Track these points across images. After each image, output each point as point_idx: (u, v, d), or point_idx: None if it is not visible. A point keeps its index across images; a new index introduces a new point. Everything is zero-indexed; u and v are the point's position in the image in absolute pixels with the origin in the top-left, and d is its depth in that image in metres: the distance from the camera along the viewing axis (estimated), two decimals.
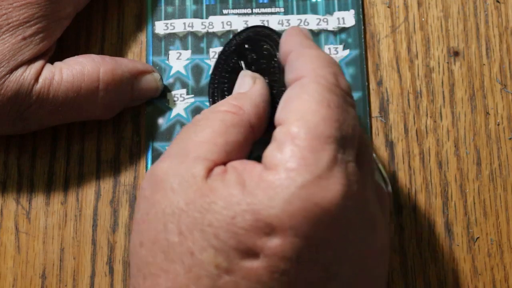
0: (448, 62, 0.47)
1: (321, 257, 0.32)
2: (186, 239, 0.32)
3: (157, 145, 0.46)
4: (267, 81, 0.39)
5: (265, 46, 0.40)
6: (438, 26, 0.48)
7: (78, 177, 0.45)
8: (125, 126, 0.46)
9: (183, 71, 0.47)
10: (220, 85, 0.42)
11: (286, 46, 0.38)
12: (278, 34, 0.39)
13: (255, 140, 0.37)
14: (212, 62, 0.47)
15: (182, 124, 0.46)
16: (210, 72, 0.43)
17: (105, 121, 0.46)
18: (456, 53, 0.47)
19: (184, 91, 0.47)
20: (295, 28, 0.39)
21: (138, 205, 0.35)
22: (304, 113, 0.33)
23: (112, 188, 0.45)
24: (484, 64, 0.47)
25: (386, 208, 0.37)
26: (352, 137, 0.34)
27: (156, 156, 0.45)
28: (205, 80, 0.47)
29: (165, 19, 0.48)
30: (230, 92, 0.41)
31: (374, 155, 0.41)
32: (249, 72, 0.40)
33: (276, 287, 0.31)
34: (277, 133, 0.34)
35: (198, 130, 0.36)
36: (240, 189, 0.32)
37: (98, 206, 0.45)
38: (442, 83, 0.47)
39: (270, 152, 0.33)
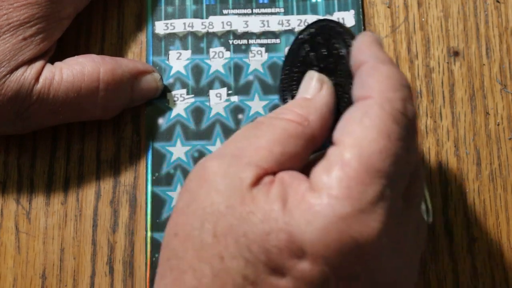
0: (448, 62, 0.47)
1: (347, 287, 0.32)
2: (219, 243, 0.32)
3: (157, 145, 0.46)
4: (333, 82, 0.38)
5: (336, 45, 0.38)
6: (438, 26, 0.48)
7: (78, 177, 0.45)
8: (125, 126, 0.46)
9: (183, 71, 0.47)
10: (291, 73, 0.41)
11: (360, 55, 0.36)
12: (351, 35, 0.38)
13: (314, 150, 0.36)
14: (212, 62, 0.47)
15: (182, 124, 0.46)
16: (283, 58, 0.42)
17: (105, 121, 0.46)
18: (456, 53, 0.47)
19: (184, 91, 0.47)
20: (370, 35, 0.37)
21: (181, 195, 0.35)
22: (361, 140, 0.32)
23: (112, 188, 0.45)
24: (484, 64, 0.47)
25: (421, 240, 0.36)
26: (405, 173, 0.33)
27: (156, 156, 0.45)
28: (205, 80, 0.47)
29: (165, 19, 0.48)
30: (299, 83, 0.39)
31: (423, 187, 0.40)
32: (316, 74, 0.38)
33: None
34: (330, 153, 0.33)
35: (258, 134, 0.35)
36: (281, 205, 0.32)
37: (98, 206, 0.45)
38: (442, 83, 0.47)
39: (318, 172, 0.32)
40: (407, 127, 0.33)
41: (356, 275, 0.32)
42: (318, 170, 0.33)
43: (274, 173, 0.34)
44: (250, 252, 0.31)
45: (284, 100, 0.41)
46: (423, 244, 0.36)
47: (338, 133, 0.33)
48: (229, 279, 0.32)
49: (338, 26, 0.39)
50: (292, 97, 0.40)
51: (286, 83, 0.41)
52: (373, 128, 0.32)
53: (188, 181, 0.35)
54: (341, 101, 0.37)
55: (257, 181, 0.33)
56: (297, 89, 0.40)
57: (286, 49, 0.47)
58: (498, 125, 0.46)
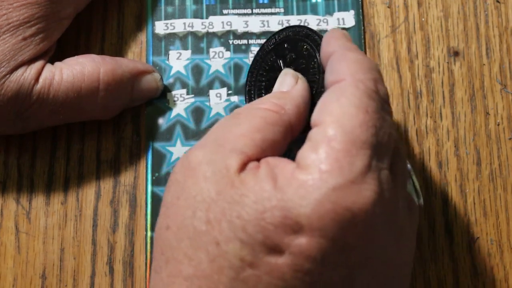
0: (448, 62, 0.47)
1: (345, 260, 0.32)
2: (213, 228, 0.32)
3: (157, 145, 0.46)
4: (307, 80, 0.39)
5: (305, 47, 0.40)
6: (438, 26, 0.48)
7: (78, 177, 0.45)
8: (125, 126, 0.46)
9: (183, 71, 0.47)
10: (257, 83, 0.42)
11: (328, 47, 0.38)
12: (319, 35, 0.39)
13: (292, 139, 0.37)
14: (212, 62, 0.47)
15: (182, 124, 0.46)
16: (248, 69, 0.43)
17: (105, 121, 0.46)
18: (456, 53, 0.47)
19: (184, 91, 0.47)
20: (337, 30, 0.39)
21: (168, 188, 0.35)
22: (341, 116, 0.33)
23: (112, 188, 0.45)
24: (484, 64, 0.47)
25: (415, 221, 0.37)
26: (388, 144, 0.34)
27: (156, 156, 0.45)
28: (205, 80, 0.47)
29: (165, 19, 0.48)
30: (267, 90, 0.41)
31: (409, 165, 0.41)
32: (291, 71, 0.40)
33: (297, 286, 0.32)
34: (313, 134, 0.34)
35: (238, 123, 0.36)
36: (272, 184, 0.32)
37: (98, 206, 0.45)
38: (442, 83, 0.47)
39: (304, 152, 0.33)
40: (381, 103, 0.35)
41: (352, 246, 0.32)
42: (304, 151, 0.33)
43: (257, 159, 0.35)
44: (245, 233, 0.32)
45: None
46: (415, 227, 0.37)
47: (317, 115, 0.35)
48: (226, 263, 0.32)
49: (304, 28, 0.40)
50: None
51: (253, 94, 0.42)
52: (351, 105, 0.34)
53: (174, 174, 0.35)
54: (317, 96, 0.38)
55: (243, 167, 0.34)
56: (266, 94, 0.41)
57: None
58: (498, 125, 0.46)
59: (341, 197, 0.31)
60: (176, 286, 0.33)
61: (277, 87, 0.40)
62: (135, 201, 0.45)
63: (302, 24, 0.47)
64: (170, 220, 0.34)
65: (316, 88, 0.39)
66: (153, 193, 0.45)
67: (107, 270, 0.44)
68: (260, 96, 0.41)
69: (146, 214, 0.44)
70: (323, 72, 0.38)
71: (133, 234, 0.44)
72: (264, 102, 0.37)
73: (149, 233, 0.44)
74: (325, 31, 0.47)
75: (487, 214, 0.45)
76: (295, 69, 0.40)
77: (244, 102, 0.43)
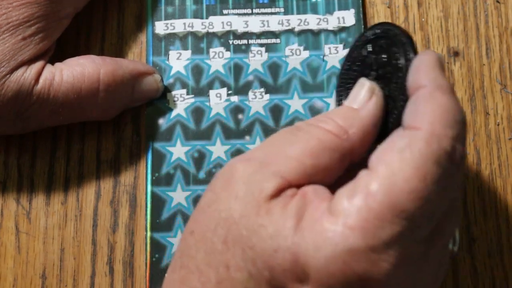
0: (448, 62, 0.47)
1: None
2: (228, 251, 0.32)
3: (157, 145, 0.46)
4: (386, 93, 0.37)
5: (397, 55, 0.37)
6: (438, 26, 0.48)
7: (78, 177, 0.45)
8: (125, 126, 0.46)
9: (183, 71, 0.47)
10: (349, 71, 0.39)
11: (420, 77, 0.34)
12: (412, 48, 0.36)
13: (352, 163, 0.35)
14: (212, 62, 0.47)
15: (182, 124, 0.46)
16: (346, 53, 0.40)
17: (105, 121, 0.46)
18: (456, 53, 0.47)
19: (184, 91, 0.47)
20: (433, 56, 0.35)
21: (206, 193, 0.34)
22: (394, 174, 0.30)
23: (112, 188, 0.45)
24: (484, 64, 0.47)
25: (442, 275, 0.34)
26: (434, 216, 0.31)
27: (156, 156, 0.45)
28: (205, 80, 0.47)
29: (165, 19, 0.48)
30: (355, 82, 0.38)
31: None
32: (367, 83, 0.37)
33: None
34: (360, 176, 0.31)
35: (293, 141, 0.34)
36: (294, 223, 0.31)
37: (98, 206, 0.45)
38: None
39: (341, 194, 0.31)
40: (448, 171, 0.31)
41: None
42: (342, 192, 0.31)
43: (299, 185, 0.33)
44: (254, 266, 0.31)
45: (338, 96, 0.40)
46: (443, 276, 0.34)
47: (375, 158, 0.32)
48: None
49: (402, 34, 0.37)
50: (347, 95, 0.38)
51: (344, 80, 0.40)
52: (411, 165, 0.30)
53: (215, 180, 0.34)
54: (390, 115, 0.36)
55: (278, 193, 0.32)
56: (352, 88, 0.38)
57: (287, 49, 0.47)
58: (498, 125, 0.46)
59: (354, 261, 0.30)
60: None
61: (349, 99, 0.36)
62: (135, 201, 0.45)
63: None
64: (196, 226, 0.34)
65: (391, 106, 0.36)
66: (153, 193, 0.45)
67: (107, 270, 0.44)
68: (348, 85, 0.39)
69: (146, 214, 0.44)
70: (405, 93, 0.35)
71: (133, 234, 0.44)
72: (328, 122, 0.34)
73: (149, 233, 0.44)
74: (326, 30, 0.47)
75: (487, 214, 0.45)
76: (382, 75, 0.37)
77: (335, 90, 0.40)
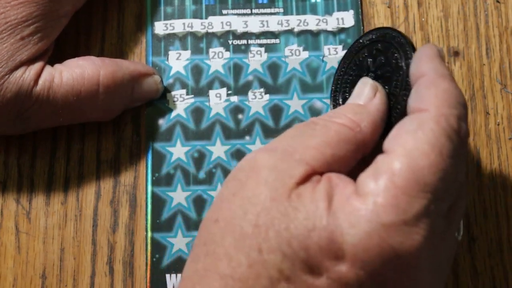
0: (448, 62, 0.47)
1: None
2: (260, 234, 0.32)
3: (157, 145, 0.46)
4: (386, 91, 0.38)
5: (395, 55, 0.39)
6: (438, 26, 0.48)
7: (78, 177, 0.46)
8: (125, 126, 0.46)
9: (182, 72, 0.47)
10: (345, 75, 0.42)
11: (420, 67, 0.36)
12: (411, 47, 0.38)
13: (363, 156, 0.37)
14: (211, 62, 0.47)
15: (182, 124, 0.46)
16: (341, 57, 0.43)
17: (105, 121, 0.46)
18: (456, 53, 0.47)
19: (184, 91, 0.47)
20: (431, 47, 0.37)
21: (227, 183, 0.35)
22: (412, 152, 0.32)
23: (112, 188, 0.45)
24: (484, 64, 0.47)
25: (451, 257, 0.36)
26: (452, 191, 0.33)
27: (156, 156, 0.45)
28: (204, 81, 0.47)
29: (164, 20, 0.48)
30: (351, 86, 0.40)
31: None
32: (370, 81, 0.39)
33: None
34: (380, 160, 0.33)
35: (312, 134, 0.35)
36: (326, 205, 0.32)
37: (98, 206, 0.45)
38: None
39: (365, 178, 0.33)
40: (459, 146, 0.33)
41: (390, 282, 0.32)
42: (366, 176, 0.33)
43: (321, 173, 0.34)
44: (289, 247, 0.32)
45: (334, 100, 0.42)
46: (450, 263, 0.36)
47: (390, 142, 0.34)
48: (264, 271, 0.32)
49: (400, 36, 0.39)
50: (343, 99, 0.41)
51: (339, 84, 0.42)
52: (426, 142, 0.32)
53: (237, 170, 0.35)
54: (393, 111, 0.37)
55: (305, 179, 0.34)
56: (349, 91, 0.40)
57: (286, 50, 0.47)
58: (498, 125, 0.46)
59: (390, 235, 0.31)
60: (210, 280, 0.33)
61: (354, 96, 0.39)
62: (135, 201, 0.45)
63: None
64: (220, 214, 0.34)
65: (394, 101, 0.38)
66: (153, 193, 0.45)
67: (107, 270, 0.44)
68: (344, 90, 0.41)
69: (146, 214, 0.45)
70: (405, 89, 0.37)
71: (133, 234, 0.45)
72: (341, 116, 0.36)
73: (149, 233, 0.44)
74: (325, 31, 0.47)
75: (487, 214, 0.45)
76: (381, 75, 0.39)
77: (330, 94, 0.42)
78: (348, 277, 0.31)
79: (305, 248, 0.31)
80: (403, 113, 0.36)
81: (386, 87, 0.39)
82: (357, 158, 0.36)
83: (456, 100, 0.34)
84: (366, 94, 0.38)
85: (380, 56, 0.40)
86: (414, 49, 0.38)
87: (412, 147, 0.32)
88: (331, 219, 0.32)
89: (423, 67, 0.36)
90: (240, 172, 0.35)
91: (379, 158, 0.33)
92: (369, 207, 0.31)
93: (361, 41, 0.41)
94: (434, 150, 0.32)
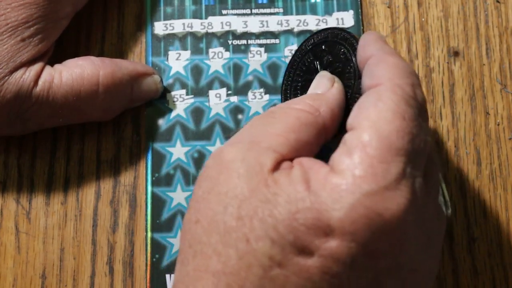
0: (448, 62, 0.47)
1: (373, 265, 0.32)
2: (244, 225, 0.32)
3: (157, 145, 0.46)
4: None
5: (342, 50, 0.40)
6: (438, 26, 0.48)
7: (78, 177, 0.46)
8: (125, 126, 0.46)
9: (182, 72, 0.47)
10: (293, 83, 0.42)
11: (366, 50, 0.38)
12: (356, 39, 0.39)
13: (325, 142, 0.37)
14: (211, 63, 0.47)
15: (182, 125, 0.46)
16: (285, 68, 0.43)
17: (105, 121, 0.46)
18: (456, 53, 0.47)
19: (183, 91, 0.47)
20: (373, 33, 0.39)
21: (199, 183, 0.35)
22: (377, 122, 0.33)
23: (112, 188, 0.45)
24: (484, 64, 0.47)
25: (442, 231, 0.37)
26: (423, 152, 0.34)
27: (156, 156, 0.45)
28: (204, 81, 0.47)
29: (164, 20, 0.48)
30: (302, 91, 0.41)
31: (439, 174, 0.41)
32: (327, 74, 0.40)
33: None
34: (348, 138, 0.34)
35: (272, 122, 0.36)
36: (305, 186, 0.32)
37: (98, 206, 0.45)
38: (442, 83, 0.47)
39: (338, 156, 0.33)
40: (419, 110, 0.34)
41: (382, 252, 0.32)
42: (338, 155, 0.33)
43: (291, 159, 0.35)
44: (276, 232, 0.32)
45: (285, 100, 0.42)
46: (442, 237, 0.37)
47: (353, 119, 0.34)
48: (255, 260, 0.32)
49: (343, 32, 0.40)
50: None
51: (288, 93, 0.42)
52: (388, 110, 0.33)
53: (206, 169, 0.35)
54: (351, 101, 0.38)
55: (276, 166, 0.34)
56: (301, 95, 0.40)
57: (286, 50, 0.47)
58: (498, 125, 0.46)
59: (374, 203, 0.32)
60: (203, 281, 0.33)
61: (312, 88, 0.39)
62: (135, 201, 0.45)
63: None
64: (200, 214, 0.34)
65: (350, 93, 0.38)
66: (153, 193, 0.45)
67: (107, 270, 0.44)
68: (295, 96, 0.41)
69: (146, 214, 0.45)
70: (359, 77, 0.38)
71: (133, 234, 0.45)
72: (299, 103, 0.37)
73: (149, 234, 0.44)
74: None
75: (487, 214, 0.45)
76: (331, 72, 0.40)
77: (281, 100, 0.43)
78: (340, 251, 0.31)
79: (292, 230, 0.32)
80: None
81: (341, 81, 0.39)
82: (320, 143, 0.37)
83: (406, 70, 0.36)
84: (324, 84, 0.39)
85: (327, 56, 0.40)
86: (358, 40, 0.39)
87: (375, 117, 0.33)
88: (313, 198, 0.32)
89: (368, 50, 0.37)
90: (209, 169, 0.35)
91: (347, 136, 0.34)
92: (349, 180, 0.32)
93: (303, 47, 0.42)
94: (397, 115, 0.33)
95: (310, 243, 0.32)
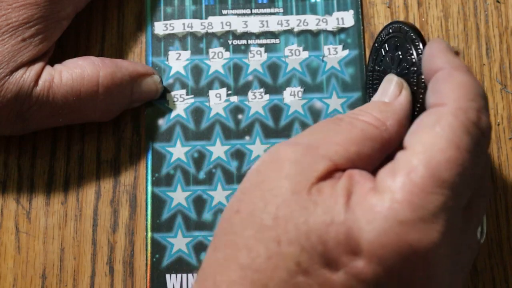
0: None
1: None
2: (279, 226, 0.32)
3: (157, 145, 0.46)
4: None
5: (409, 51, 0.39)
6: (438, 26, 0.48)
7: (78, 177, 0.46)
8: (125, 126, 0.46)
9: (182, 72, 0.47)
10: (374, 72, 0.42)
11: (434, 62, 0.36)
12: (423, 42, 0.38)
13: (389, 153, 0.36)
14: (211, 63, 0.47)
15: (182, 125, 0.46)
16: (370, 52, 0.43)
17: (105, 121, 0.46)
18: (456, 53, 0.47)
19: (183, 91, 0.47)
20: (441, 42, 0.37)
21: (249, 175, 0.35)
22: (430, 148, 0.32)
23: (112, 188, 0.45)
24: (484, 64, 0.47)
25: (472, 259, 0.36)
26: (470, 185, 0.33)
27: (156, 156, 0.45)
28: (204, 81, 0.47)
29: (164, 20, 0.48)
30: (380, 82, 0.40)
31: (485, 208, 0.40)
32: (395, 78, 0.39)
33: None
34: (398, 157, 0.33)
35: (337, 130, 0.35)
36: (344, 201, 0.32)
37: (98, 206, 0.45)
38: None
39: (383, 174, 0.33)
40: (478, 139, 0.33)
41: (407, 280, 0.32)
42: (384, 172, 0.33)
43: (344, 170, 0.34)
44: (308, 240, 0.32)
45: (369, 96, 0.43)
46: (469, 267, 0.36)
47: (409, 138, 0.34)
48: (282, 263, 0.32)
49: (411, 30, 0.39)
50: None
51: (370, 80, 0.43)
52: (444, 137, 0.32)
53: (260, 163, 0.35)
54: (413, 109, 0.38)
55: (327, 175, 0.34)
56: (375, 90, 0.41)
57: (286, 50, 0.47)
58: (498, 125, 0.46)
59: (407, 232, 0.31)
60: (230, 271, 0.33)
61: (380, 94, 0.39)
62: (135, 201, 0.45)
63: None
64: (242, 205, 0.34)
65: (413, 101, 0.38)
66: (153, 193, 0.45)
67: (107, 270, 0.44)
68: (375, 85, 0.41)
69: (146, 214, 0.45)
70: (422, 86, 0.37)
71: (133, 234, 0.45)
72: (366, 115, 0.36)
73: (149, 234, 0.44)
74: (325, 30, 0.47)
75: (487, 214, 0.45)
76: (399, 72, 0.39)
77: (365, 90, 0.42)
78: (365, 273, 0.31)
79: (322, 242, 0.32)
80: (422, 111, 0.36)
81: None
82: (382, 156, 0.36)
83: (474, 92, 0.34)
84: (392, 91, 0.38)
85: (398, 51, 0.40)
86: (424, 43, 0.38)
87: (429, 143, 0.32)
88: (348, 215, 0.32)
89: (437, 61, 0.36)
90: (263, 164, 0.35)
91: (399, 155, 0.33)
92: (386, 203, 0.31)
93: (381, 35, 0.42)
94: (451, 145, 0.32)
95: (337, 258, 0.32)
